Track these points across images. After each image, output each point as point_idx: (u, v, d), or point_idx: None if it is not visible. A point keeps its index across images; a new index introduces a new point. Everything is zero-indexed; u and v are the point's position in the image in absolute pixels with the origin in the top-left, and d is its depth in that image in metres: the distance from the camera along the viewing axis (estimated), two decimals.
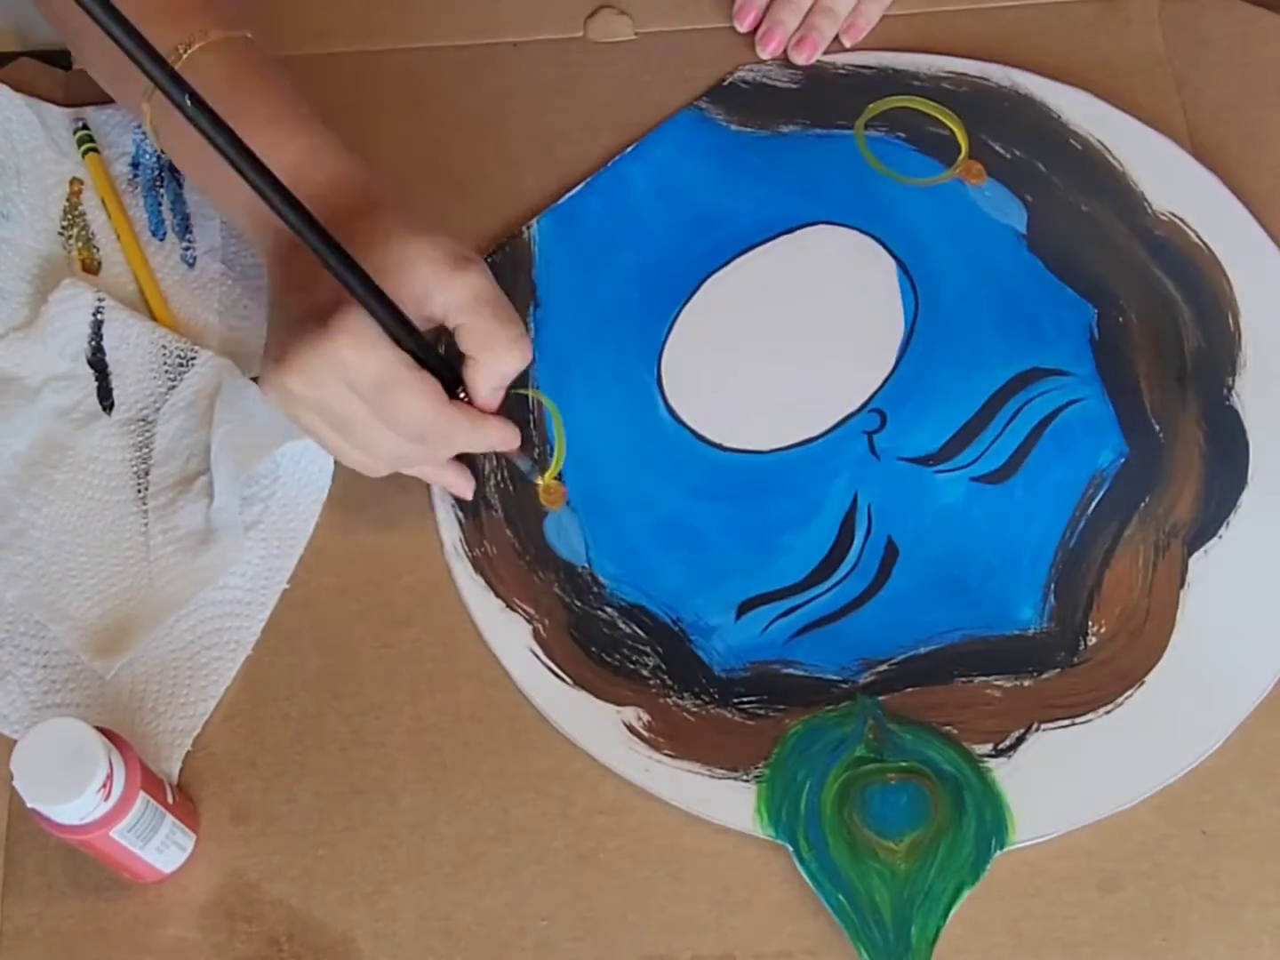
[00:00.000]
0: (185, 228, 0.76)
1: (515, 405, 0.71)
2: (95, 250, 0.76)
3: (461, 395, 0.63)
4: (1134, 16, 0.81)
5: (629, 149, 0.78)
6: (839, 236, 0.76)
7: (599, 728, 0.65)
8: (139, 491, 0.71)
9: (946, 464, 0.70)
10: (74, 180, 0.77)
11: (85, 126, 0.78)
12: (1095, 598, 0.67)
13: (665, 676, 0.66)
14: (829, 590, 0.68)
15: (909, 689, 0.66)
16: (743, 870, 0.63)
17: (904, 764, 0.64)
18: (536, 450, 0.71)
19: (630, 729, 0.65)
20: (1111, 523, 0.69)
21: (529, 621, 0.68)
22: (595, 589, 0.68)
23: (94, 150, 0.77)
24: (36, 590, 0.68)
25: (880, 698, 0.66)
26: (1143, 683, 0.66)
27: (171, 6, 0.65)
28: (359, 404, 0.60)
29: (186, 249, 0.76)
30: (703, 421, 0.72)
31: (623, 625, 0.68)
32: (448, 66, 0.81)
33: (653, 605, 0.68)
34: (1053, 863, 0.63)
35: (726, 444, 0.71)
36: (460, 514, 0.70)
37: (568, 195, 0.77)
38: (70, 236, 0.76)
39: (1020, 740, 0.65)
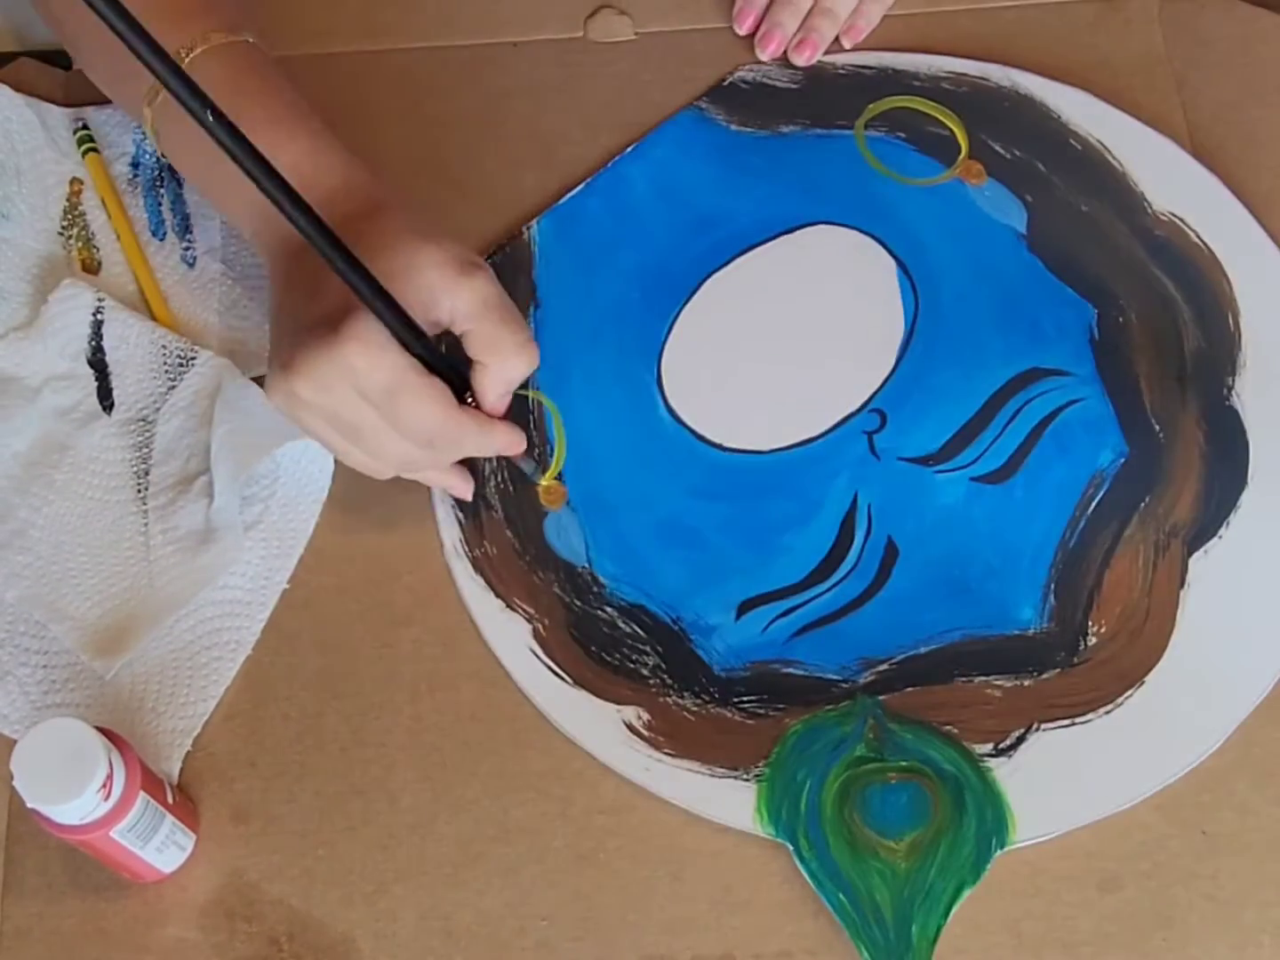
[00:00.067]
0: (185, 228, 0.76)
1: (516, 406, 0.71)
2: (95, 250, 0.76)
3: (469, 400, 0.63)
4: (1134, 16, 0.81)
5: (629, 149, 0.78)
6: (839, 236, 0.76)
7: (599, 727, 0.65)
8: (139, 491, 0.71)
9: (946, 464, 0.70)
10: (74, 180, 0.77)
11: (85, 126, 0.78)
12: (1095, 598, 0.67)
13: (665, 676, 0.66)
14: (829, 590, 0.68)
15: (909, 689, 0.66)
16: (743, 870, 0.63)
17: (904, 763, 0.64)
18: (536, 450, 0.71)
19: (630, 728, 0.65)
20: (1111, 523, 0.69)
21: (529, 621, 0.68)
22: (595, 589, 0.68)
23: (94, 150, 0.77)
24: (36, 590, 0.68)
25: (880, 697, 0.66)
26: (1143, 683, 0.66)
27: (172, 10, 0.65)
28: (368, 410, 0.60)
29: (186, 249, 0.76)
30: (703, 421, 0.72)
31: (623, 625, 0.68)
32: (448, 66, 0.81)
33: (653, 605, 0.68)
34: (1053, 863, 0.63)
35: (726, 444, 0.71)
36: (460, 514, 0.70)
37: (568, 195, 0.77)
38: (70, 236, 0.76)
39: (1020, 740, 0.65)
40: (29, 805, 0.56)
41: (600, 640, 0.67)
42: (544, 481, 0.70)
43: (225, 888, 0.64)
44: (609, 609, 0.68)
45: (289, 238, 0.59)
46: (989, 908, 0.62)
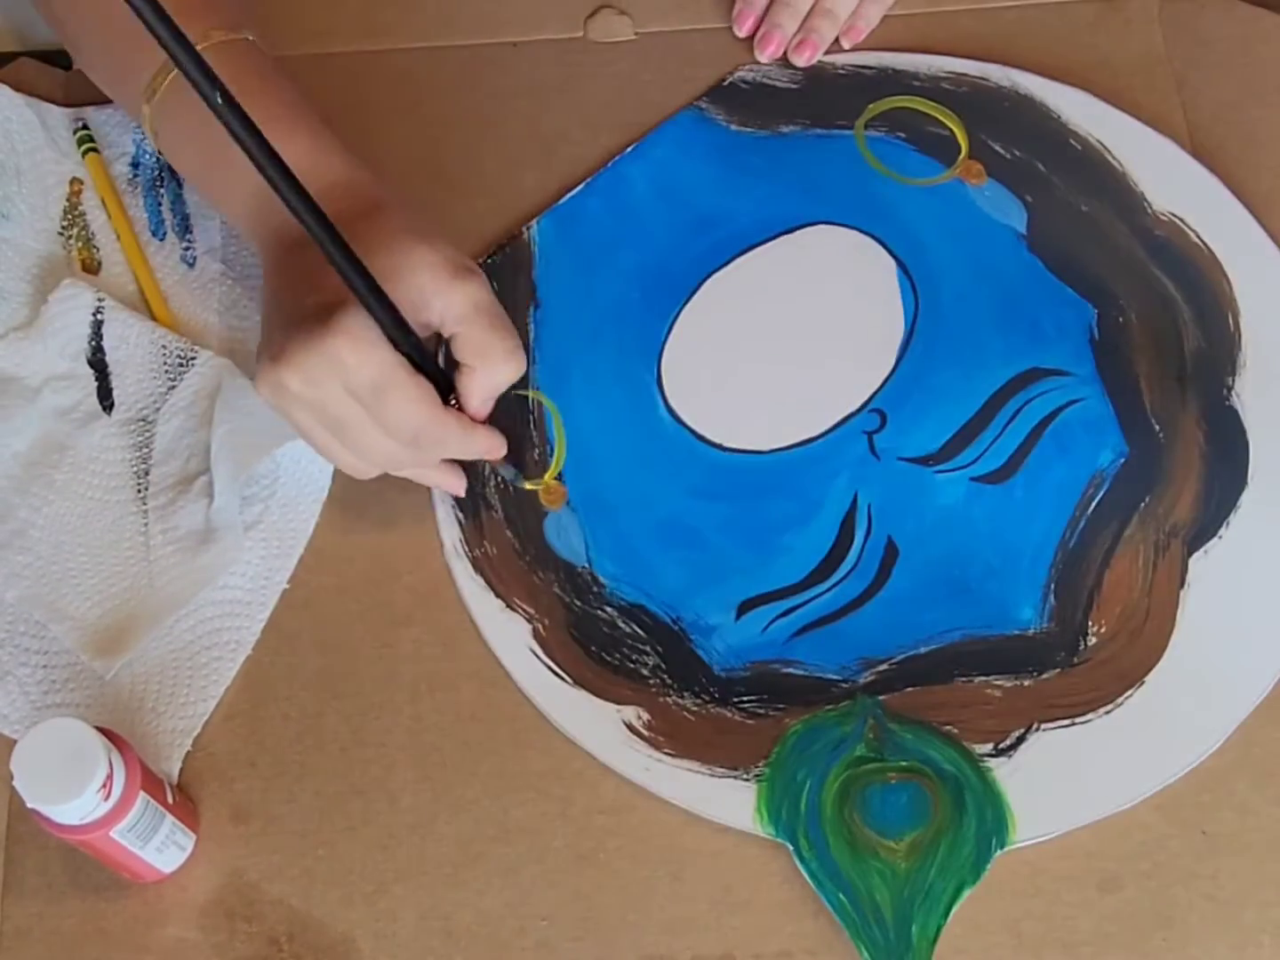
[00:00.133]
0: (185, 228, 0.76)
1: (515, 405, 0.71)
2: (95, 250, 0.76)
3: (453, 403, 0.63)
4: (1134, 16, 0.81)
5: (629, 149, 0.78)
6: (839, 236, 0.76)
7: (599, 727, 0.65)
8: (139, 491, 0.71)
9: (946, 464, 0.70)
10: (74, 180, 0.77)
11: (85, 126, 0.78)
12: (1095, 598, 0.67)
13: (665, 676, 0.66)
14: (829, 590, 0.68)
15: (909, 688, 0.66)
16: (743, 870, 0.63)
17: (904, 763, 0.64)
18: (536, 450, 0.71)
19: (630, 728, 0.65)
20: (1111, 523, 0.69)
21: (529, 621, 0.68)
22: (595, 589, 0.68)
23: (94, 150, 0.77)
24: (36, 590, 0.68)
25: (880, 697, 0.66)
26: (1143, 683, 0.66)
27: (173, 7, 0.65)
28: (354, 405, 0.60)
29: (186, 249, 0.76)
30: (703, 421, 0.72)
31: (623, 625, 0.68)
32: (448, 66, 0.81)
33: (653, 605, 0.68)
34: (1053, 863, 0.63)
35: (726, 444, 0.71)
36: (460, 514, 0.70)
37: (568, 195, 0.77)
38: (70, 236, 0.76)
39: (1020, 740, 0.65)
40: (29, 805, 0.56)
41: (600, 640, 0.67)
42: (541, 483, 0.70)
43: (225, 888, 0.64)
44: (609, 609, 0.68)
45: (284, 231, 0.59)
46: (989, 908, 0.62)
